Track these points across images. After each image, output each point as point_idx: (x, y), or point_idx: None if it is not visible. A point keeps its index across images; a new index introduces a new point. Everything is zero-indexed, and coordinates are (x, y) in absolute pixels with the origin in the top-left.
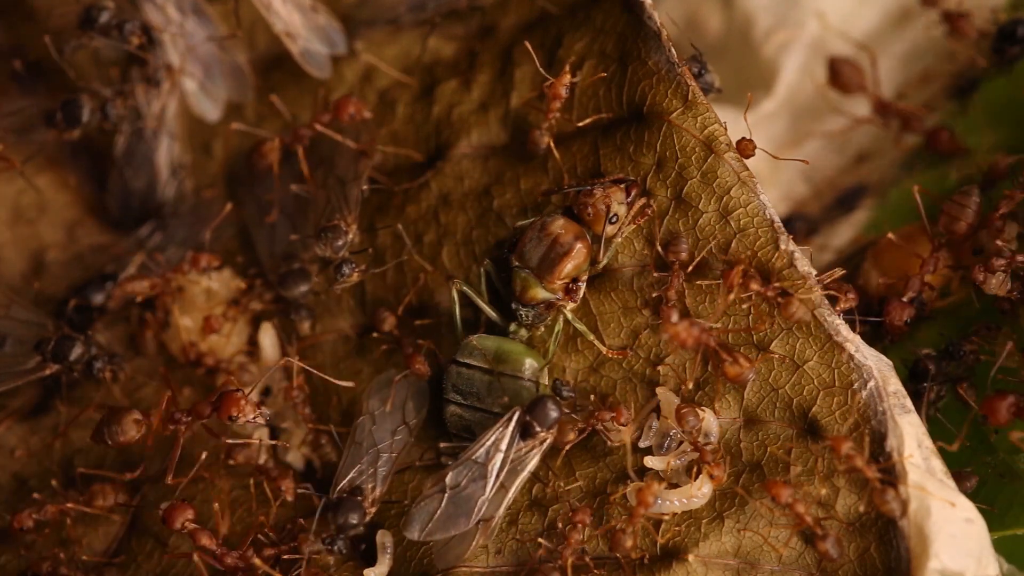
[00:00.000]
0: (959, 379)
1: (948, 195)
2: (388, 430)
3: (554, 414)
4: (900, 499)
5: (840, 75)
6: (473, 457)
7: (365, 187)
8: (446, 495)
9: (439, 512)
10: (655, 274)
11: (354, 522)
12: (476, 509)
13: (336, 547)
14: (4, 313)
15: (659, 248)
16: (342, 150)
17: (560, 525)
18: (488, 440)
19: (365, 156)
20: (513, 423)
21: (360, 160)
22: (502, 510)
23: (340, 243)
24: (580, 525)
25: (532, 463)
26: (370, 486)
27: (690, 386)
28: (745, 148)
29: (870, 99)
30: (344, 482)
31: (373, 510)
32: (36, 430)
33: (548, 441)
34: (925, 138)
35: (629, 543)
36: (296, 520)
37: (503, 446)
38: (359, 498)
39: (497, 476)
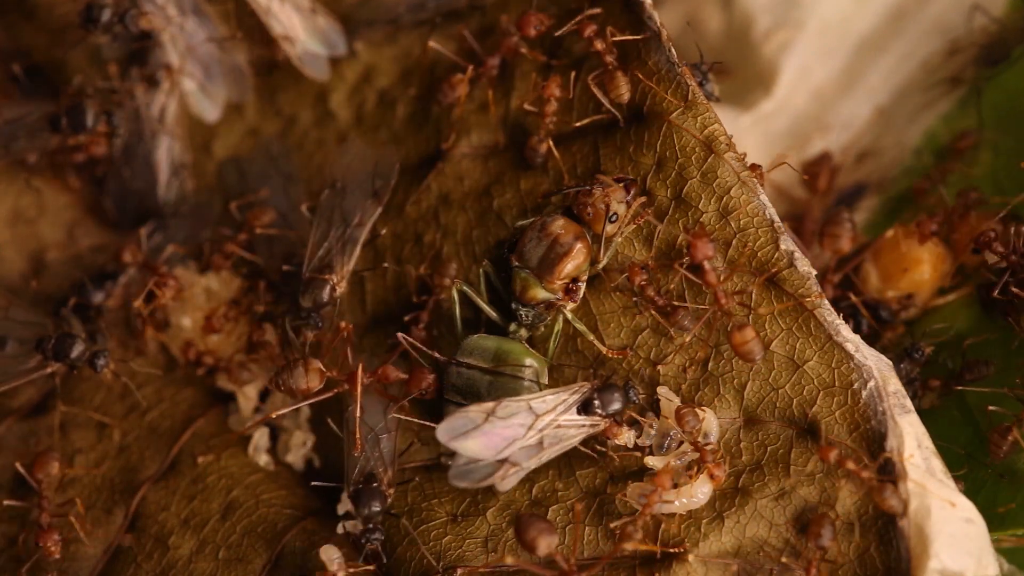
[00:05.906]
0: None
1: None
2: (378, 411)
3: (617, 405)
4: (900, 496)
5: (816, 175)
6: (530, 402)
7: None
8: (488, 418)
9: (474, 431)
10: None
11: (378, 509)
12: (507, 446)
13: (373, 538)
14: (3, 315)
15: None
16: (357, 181)
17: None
18: (551, 396)
19: (376, 200)
20: (580, 393)
21: (371, 204)
22: (529, 464)
23: (324, 299)
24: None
25: (574, 440)
26: (381, 469)
27: (690, 377)
28: None
29: (815, 207)
30: (355, 473)
31: (392, 491)
32: (36, 430)
33: (597, 428)
34: None
35: (640, 535)
36: None
37: (561, 408)
38: (375, 484)
39: (541, 429)
